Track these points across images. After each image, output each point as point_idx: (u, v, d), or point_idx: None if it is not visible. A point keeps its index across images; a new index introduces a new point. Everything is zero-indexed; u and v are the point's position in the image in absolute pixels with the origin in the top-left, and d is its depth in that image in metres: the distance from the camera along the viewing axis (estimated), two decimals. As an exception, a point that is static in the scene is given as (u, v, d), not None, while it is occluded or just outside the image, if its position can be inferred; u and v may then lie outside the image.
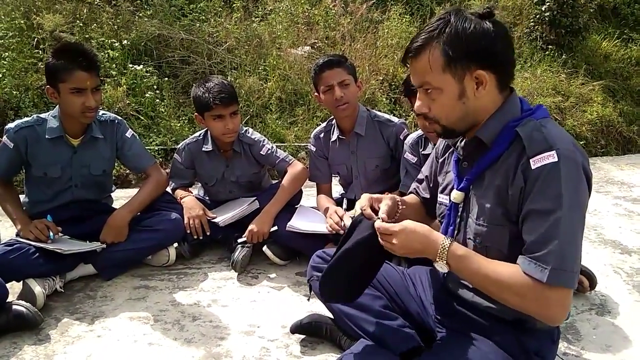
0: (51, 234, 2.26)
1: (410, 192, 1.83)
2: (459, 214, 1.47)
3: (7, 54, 4.56)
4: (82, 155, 2.44)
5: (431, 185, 1.72)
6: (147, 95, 4.72)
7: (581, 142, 5.71)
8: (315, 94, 2.71)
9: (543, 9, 6.63)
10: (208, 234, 2.62)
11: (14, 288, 2.17)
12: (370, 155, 2.74)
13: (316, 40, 5.92)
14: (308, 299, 1.88)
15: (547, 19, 6.63)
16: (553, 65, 6.53)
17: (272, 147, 2.80)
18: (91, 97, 2.27)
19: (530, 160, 1.25)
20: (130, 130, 2.62)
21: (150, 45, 5.20)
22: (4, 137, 2.36)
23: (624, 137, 6.22)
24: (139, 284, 2.41)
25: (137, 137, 2.68)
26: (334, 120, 2.79)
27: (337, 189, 3.05)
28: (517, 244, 1.30)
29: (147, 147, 3.35)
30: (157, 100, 4.78)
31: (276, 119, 5.01)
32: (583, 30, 6.79)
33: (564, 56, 6.61)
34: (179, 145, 2.89)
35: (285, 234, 2.53)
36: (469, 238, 1.43)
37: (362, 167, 2.77)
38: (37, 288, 2.11)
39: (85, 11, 5.23)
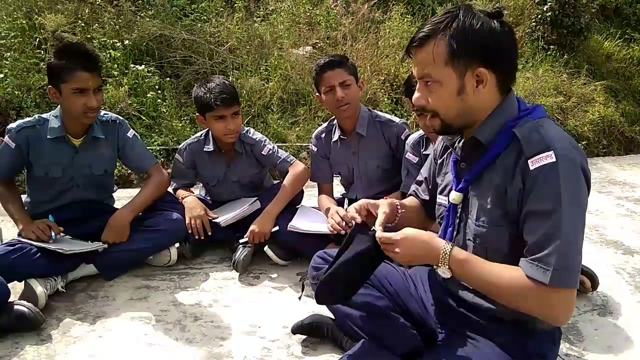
0: (53, 234, 2.26)
1: (410, 195, 1.83)
2: (458, 215, 1.47)
3: (9, 54, 4.57)
4: (83, 155, 2.44)
5: (430, 186, 1.72)
6: (148, 95, 4.72)
7: (583, 143, 5.71)
8: (317, 94, 2.71)
9: (545, 8, 6.61)
10: (209, 234, 2.62)
11: (16, 288, 2.17)
12: (371, 155, 2.74)
13: (318, 40, 5.92)
14: (299, 298, 1.89)
15: (548, 18, 6.62)
16: (555, 65, 6.52)
17: (274, 147, 2.80)
18: (93, 97, 2.27)
19: (529, 161, 1.25)
20: (131, 130, 2.62)
21: (151, 45, 5.20)
22: (6, 137, 2.36)
23: (626, 138, 6.21)
24: (141, 284, 2.41)
25: (139, 137, 2.68)
26: (335, 121, 2.79)
27: (338, 189, 3.05)
28: (517, 245, 1.30)
29: (148, 147, 3.35)
30: (159, 100, 4.78)
31: (278, 119, 5.01)
32: (585, 30, 6.77)
33: (565, 56, 6.60)
34: (181, 146, 2.89)
35: (287, 234, 2.53)
36: (469, 239, 1.43)
37: (363, 167, 2.77)
38: (39, 288, 2.12)
39: (87, 11, 5.23)
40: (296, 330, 1.93)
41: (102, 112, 2.51)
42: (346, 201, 2.94)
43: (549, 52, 6.59)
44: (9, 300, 2.01)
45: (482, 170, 1.38)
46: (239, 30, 5.60)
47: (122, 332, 2.01)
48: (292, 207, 2.74)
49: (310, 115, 5.17)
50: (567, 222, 1.21)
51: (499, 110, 1.36)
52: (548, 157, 1.22)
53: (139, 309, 2.18)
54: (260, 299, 2.29)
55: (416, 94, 1.40)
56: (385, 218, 1.51)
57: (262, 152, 2.75)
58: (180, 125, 4.65)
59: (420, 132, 2.52)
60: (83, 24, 5.08)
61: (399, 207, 1.62)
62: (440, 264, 1.34)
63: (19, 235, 2.29)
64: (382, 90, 5.60)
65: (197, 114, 2.68)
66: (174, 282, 2.44)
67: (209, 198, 2.97)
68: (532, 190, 1.25)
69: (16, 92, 4.36)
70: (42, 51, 4.80)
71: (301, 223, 2.55)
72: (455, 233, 1.47)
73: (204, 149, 2.76)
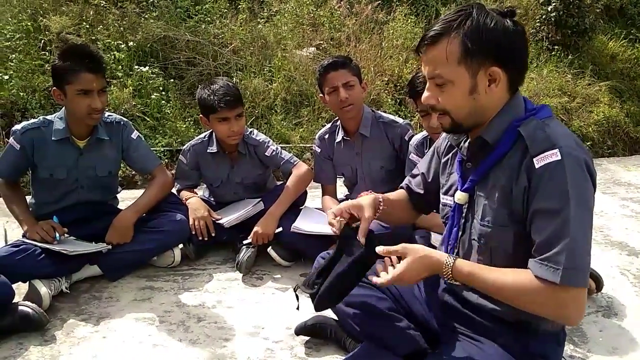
0: (57, 235, 2.27)
1: (401, 187, 1.81)
2: (463, 215, 1.46)
3: (14, 55, 4.59)
4: (88, 156, 2.45)
5: (429, 180, 1.69)
6: (152, 96, 4.74)
7: (588, 143, 5.69)
8: (320, 95, 2.71)
9: (549, 9, 6.60)
10: (213, 235, 2.63)
11: (20, 289, 2.18)
12: (375, 156, 2.74)
13: (321, 42, 5.92)
14: (297, 308, 1.69)
15: (553, 19, 6.60)
16: (559, 65, 6.50)
17: (277, 148, 2.80)
18: (97, 98, 2.28)
19: (534, 159, 1.24)
20: (135, 131, 2.63)
21: (156, 46, 5.22)
22: (11, 138, 2.38)
23: (631, 138, 6.19)
24: (145, 285, 2.42)
25: (143, 139, 2.69)
26: (339, 122, 2.79)
27: (342, 190, 3.05)
28: (522, 245, 1.30)
29: (152, 149, 3.36)
30: (163, 101, 4.80)
31: (281, 120, 5.02)
32: (589, 30, 6.75)
33: (570, 57, 6.58)
34: (184, 147, 2.90)
35: (290, 236, 2.53)
36: (473, 239, 1.42)
37: (367, 168, 2.76)
38: (43, 289, 2.12)
39: (91, 13, 5.25)
40: (299, 331, 1.93)
41: (107, 114, 2.52)
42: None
43: (553, 53, 6.57)
44: (14, 300, 2.02)
45: (488, 170, 1.37)
46: (242, 32, 5.61)
47: (125, 333, 2.01)
48: (295, 208, 2.75)
49: (314, 116, 5.17)
50: (575, 221, 1.19)
51: (506, 109, 1.35)
52: (553, 155, 1.22)
53: (143, 310, 2.19)
54: (263, 300, 2.30)
55: (426, 93, 1.38)
56: (368, 225, 1.51)
57: (266, 153, 2.75)
58: (184, 126, 4.66)
59: (424, 133, 2.52)
60: (87, 26, 5.11)
61: (381, 202, 1.62)
62: (444, 278, 1.36)
63: (24, 236, 2.30)
64: (386, 91, 5.59)
65: (201, 115, 2.69)
66: (178, 283, 2.44)
67: (212, 199, 2.97)
68: (538, 189, 1.24)
69: (21, 94, 4.38)
70: (47, 53, 4.82)
71: (304, 224, 2.55)
72: (460, 233, 1.47)
73: (208, 150, 2.77)
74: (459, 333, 1.52)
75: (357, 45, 5.88)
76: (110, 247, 2.39)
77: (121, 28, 5.19)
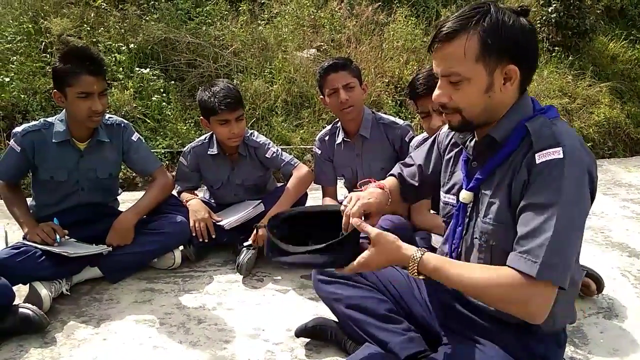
0: (58, 237, 2.27)
1: (391, 175, 1.78)
2: (468, 214, 1.45)
3: (15, 57, 4.60)
4: (88, 159, 2.45)
5: (429, 172, 1.68)
6: (153, 98, 4.74)
7: (588, 144, 5.68)
8: (321, 97, 2.71)
9: (549, 10, 6.61)
10: (213, 236, 2.63)
11: (21, 291, 2.19)
12: (375, 157, 2.74)
13: (322, 43, 5.93)
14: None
15: (553, 20, 6.61)
16: (560, 66, 6.51)
17: (278, 150, 2.81)
18: (98, 101, 2.28)
19: (536, 155, 1.24)
20: (136, 133, 2.63)
21: (156, 48, 5.22)
22: (12, 140, 2.38)
23: (632, 139, 6.19)
24: (145, 287, 2.42)
25: (143, 141, 2.69)
26: (339, 123, 2.79)
27: (342, 192, 3.05)
28: None
29: (153, 150, 3.36)
30: (164, 103, 4.80)
31: (282, 122, 5.02)
32: (590, 31, 6.76)
33: (570, 58, 6.59)
34: (185, 149, 2.90)
35: (291, 237, 2.52)
36: (476, 237, 1.42)
37: (367, 169, 2.76)
38: (44, 291, 2.12)
39: (92, 15, 5.27)
40: (300, 333, 1.93)
41: (107, 116, 2.52)
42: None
43: (553, 54, 6.58)
44: (14, 303, 2.01)
45: (494, 168, 1.36)
46: (243, 34, 5.62)
47: (126, 335, 2.01)
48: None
49: (315, 117, 5.18)
50: (563, 219, 1.18)
51: (516, 108, 1.34)
52: (556, 153, 1.21)
53: (143, 312, 2.19)
54: (264, 302, 2.29)
55: (437, 91, 1.36)
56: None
57: (266, 155, 2.76)
58: (185, 128, 4.67)
59: (425, 134, 2.52)
60: (88, 28, 5.12)
61: (387, 190, 1.63)
62: (410, 270, 1.34)
63: (24, 238, 2.30)
64: (386, 93, 5.60)
65: (201, 117, 2.69)
66: (178, 284, 2.45)
67: (213, 201, 2.98)
68: (534, 183, 1.23)
69: (22, 96, 4.39)
70: (48, 55, 4.83)
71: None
72: (464, 232, 1.47)
73: (208, 152, 2.77)
74: (459, 334, 1.51)
75: (358, 47, 5.89)
76: (110, 249, 2.39)
77: (122, 30, 5.20)
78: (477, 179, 1.40)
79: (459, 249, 1.48)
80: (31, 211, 2.44)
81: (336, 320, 1.85)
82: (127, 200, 3.06)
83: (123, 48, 4.99)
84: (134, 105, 4.67)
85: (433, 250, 1.59)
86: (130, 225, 2.45)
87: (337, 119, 2.80)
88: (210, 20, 5.65)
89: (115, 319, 2.13)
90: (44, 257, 2.20)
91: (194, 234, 2.60)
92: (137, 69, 4.94)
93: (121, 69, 4.90)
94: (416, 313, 1.67)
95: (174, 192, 2.82)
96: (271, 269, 2.60)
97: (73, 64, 2.22)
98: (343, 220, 1.48)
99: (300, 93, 5.34)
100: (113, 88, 4.68)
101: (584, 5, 6.63)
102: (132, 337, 1.99)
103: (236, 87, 2.70)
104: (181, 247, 2.64)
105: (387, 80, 5.70)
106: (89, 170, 2.47)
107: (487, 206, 1.37)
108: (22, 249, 2.19)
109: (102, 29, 5.16)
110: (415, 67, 5.77)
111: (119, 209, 2.72)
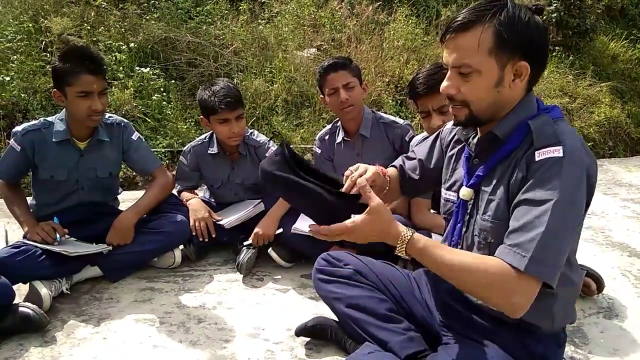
0: (58, 236, 2.27)
1: (393, 166, 1.77)
2: (468, 211, 1.45)
3: (15, 57, 4.60)
4: (88, 158, 2.45)
5: (431, 167, 1.68)
6: (153, 97, 4.74)
7: (589, 144, 5.68)
8: (321, 96, 2.71)
9: (550, 9, 6.59)
10: (213, 236, 2.63)
11: (21, 290, 2.18)
12: (375, 156, 2.72)
13: (322, 43, 5.93)
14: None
15: (554, 20, 6.60)
16: (560, 66, 6.50)
17: (278, 149, 2.80)
18: (98, 100, 2.28)
19: (536, 152, 1.24)
20: (136, 132, 2.63)
21: (157, 48, 5.22)
22: (12, 140, 2.38)
23: (632, 139, 6.19)
24: (145, 286, 2.42)
25: (143, 140, 2.69)
26: (339, 122, 2.79)
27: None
28: None
29: (153, 150, 3.37)
30: (164, 102, 4.80)
31: (282, 121, 5.02)
32: (590, 31, 6.75)
33: (571, 57, 6.59)
34: (185, 148, 2.90)
35: (291, 237, 2.53)
36: (475, 234, 1.42)
37: (367, 169, 2.76)
38: (44, 290, 2.12)
39: (92, 14, 5.26)
40: (300, 332, 1.92)
41: (107, 115, 2.52)
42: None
43: (554, 54, 6.57)
44: (14, 302, 2.01)
45: (495, 165, 1.37)
46: (243, 33, 5.62)
47: (126, 334, 2.01)
48: (296, 209, 2.74)
49: (315, 117, 5.18)
50: (556, 216, 1.18)
51: (520, 106, 1.34)
52: (556, 151, 1.21)
53: (143, 311, 2.19)
54: (264, 301, 2.29)
55: (446, 82, 1.35)
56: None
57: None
58: (185, 127, 4.67)
59: (425, 133, 2.52)
60: (89, 27, 5.11)
61: (387, 177, 1.63)
62: (398, 249, 1.30)
63: (24, 237, 2.30)
64: (387, 92, 5.60)
65: (201, 116, 2.69)
66: (178, 284, 2.44)
67: (213, 200, 2.97)
68: (531, 179, 1.24)
69: (22, 95, 4.39)
70: (48, 54, 4.83)
71: (305, 225, 2.54)
72: (464, 229, 1.47)
73: (208, 152, 2.77)
74: (459, 334, 1.51)
75: (358, 46, 5.88)
76: (110, 248, 2.39)
77: (122, 29, 5.20)
78: (478, 176, 1.41)
79: (459, 246, 1.48)
80: (31, 210, 2.44)
81: (336, 319, 1.85)
82: (127, 199, 3.07)
83: (123, 47, 4.99)
84: (134, 104, 4.66)
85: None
86: (130, 225, 2.45)
87: (337, 119, 2.80)
88: (210, 20, 5.64)
89: (115, 318, 2.13)
90: (44, 256, 2.20)
91: (194, 233, 2.60)
92: (138, 68, 4.94)
93: (121, 68, 4.90)
94: (416, 313, 1.67)
95: (174, 192, 2.82)
96: (271, 268, 2.60)
97: (73, 63, 2.22)
98: (346, 184, 1.41)
99: (300, 92, 5.33)
100: (113, 87, 4.68)
101: (584, 5, 6.62)
102: (132, 336, 1.99)
103: (236, 86, 2.70)
104: (181, 247, 2.64)
105: (387, 80, 5.69)
106: (89, 170, 2.47)
107: (486, 203, 1.37)
108: (22, 248, 2.19)
109: (102, 28, 5.15)
110: (415, 67, 5.77)
111: (119, 208, 2.72)
